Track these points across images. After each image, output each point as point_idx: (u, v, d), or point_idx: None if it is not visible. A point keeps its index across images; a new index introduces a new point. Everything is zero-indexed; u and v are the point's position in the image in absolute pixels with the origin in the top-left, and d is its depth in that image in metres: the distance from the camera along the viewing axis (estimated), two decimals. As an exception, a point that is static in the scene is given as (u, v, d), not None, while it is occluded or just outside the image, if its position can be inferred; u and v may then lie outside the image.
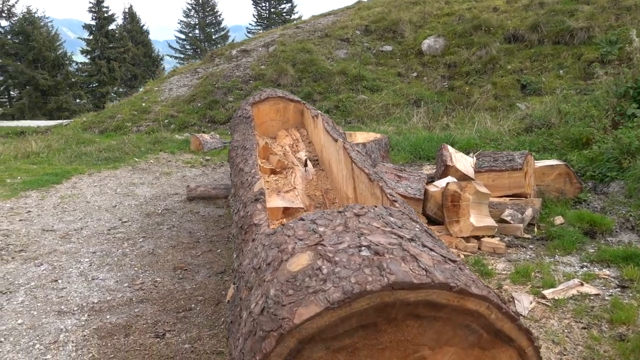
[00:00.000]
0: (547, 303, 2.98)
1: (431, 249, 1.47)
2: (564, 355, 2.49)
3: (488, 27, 12.29)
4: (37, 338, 2.80)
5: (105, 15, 32.78)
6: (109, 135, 10.55)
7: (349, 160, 3.13)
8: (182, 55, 38.43)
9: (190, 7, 39.47)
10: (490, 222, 4.06)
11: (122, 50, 32.55)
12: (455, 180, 4.34)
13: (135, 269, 3.79)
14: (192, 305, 3.18)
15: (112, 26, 33.75)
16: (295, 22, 19.93)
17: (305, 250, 1.48)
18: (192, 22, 39.63)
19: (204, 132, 10.32)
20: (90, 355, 2.63)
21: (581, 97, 7.30)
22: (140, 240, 4.42)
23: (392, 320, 1.29)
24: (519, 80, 10.64)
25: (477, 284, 1.36)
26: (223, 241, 4.36)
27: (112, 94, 30.62)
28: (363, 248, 1.40)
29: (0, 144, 9.53)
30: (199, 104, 11.72)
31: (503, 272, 3.46)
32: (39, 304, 3.21)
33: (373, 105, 10.85)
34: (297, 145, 4.82)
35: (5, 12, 29.21)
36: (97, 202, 5.62)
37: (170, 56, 39.13)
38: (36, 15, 29.56)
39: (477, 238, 3.98)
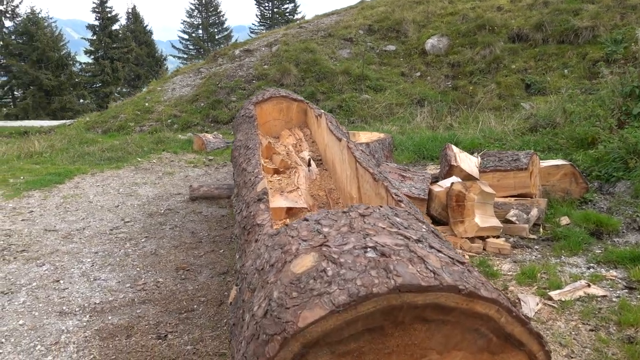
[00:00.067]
0: (553, 304, 2.95)
1: (439, 251, 1.44)
2: (572, 357, 2.45)
3: (492, 26, 12.23)
4: (39, 339, 2.78)
5: (109, 15, 32.88)
6: (112, 135, 10.55)
7: (353, 159, 3.09)
8: (185, 56, 38.48)
9: (193, 8, 39.54)
10: (495, 222, 4.02)
11: (125, 51, 32.60)
12: (459, 180, 4.31)
13: (138, 269, 3.77)
14: (195, 306, 3.16)
15: (116, 26, 33.90)
16: (298, 21, 19.89)
17: (310, 251, 1.45)
18: (195, 23, 39.69)
19: (206, 131, 10.30)
20: (92, 356, 2.61)
21: (586, 96, 7.25)
22: (143, 240, 4.40)
23: (399, 324, 1.25)
24: (523, 80, 10.58)
25: (487, 287, 1.32)
26: (226, 241, 4.34)
27: (116, 94, 30.62)
28: (369, 249, 1.36)
29: (3, 144, 9.54)
30: (202, 104, 11.71)
31: (509, 273, 3.43)
32: (40, 305, 3.19)
33: (376, 104, 10.81)
34: (300, 145, 4.79)
35: (10, 12, 29.30)
36: (99, 202, 5.61)
37: (174, 56, 39.18)
38: (40, 16, 29.59)
39: (482, 238, 3.94)
